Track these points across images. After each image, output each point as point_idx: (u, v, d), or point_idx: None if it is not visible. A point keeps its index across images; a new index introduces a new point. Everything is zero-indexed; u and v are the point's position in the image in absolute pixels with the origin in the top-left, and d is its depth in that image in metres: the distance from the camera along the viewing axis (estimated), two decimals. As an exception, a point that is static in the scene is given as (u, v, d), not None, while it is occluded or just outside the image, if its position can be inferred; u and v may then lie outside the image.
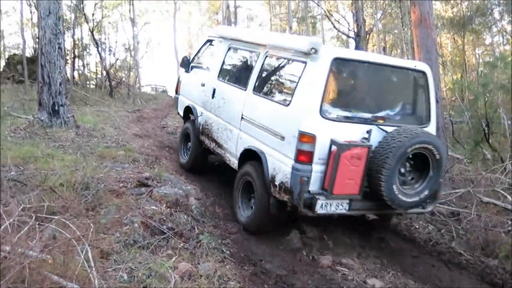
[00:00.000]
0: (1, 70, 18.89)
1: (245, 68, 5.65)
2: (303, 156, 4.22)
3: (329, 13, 21.07)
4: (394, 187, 4.21)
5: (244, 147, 5.07)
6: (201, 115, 6.35)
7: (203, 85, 6.43)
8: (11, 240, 2.76)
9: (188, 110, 6.91)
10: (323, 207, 4.15)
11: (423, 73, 4.81)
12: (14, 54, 19.98)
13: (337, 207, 4.23)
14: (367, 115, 4.49)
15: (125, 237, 3.77)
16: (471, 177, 7.20)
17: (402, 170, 4.37)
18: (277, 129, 4.54)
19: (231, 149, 5.41)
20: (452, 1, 21.90)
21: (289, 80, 4.79)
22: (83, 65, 22.66)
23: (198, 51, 7.25)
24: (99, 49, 20.58)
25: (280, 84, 5.05)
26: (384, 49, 23.32)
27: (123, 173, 5.53)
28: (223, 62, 6.13)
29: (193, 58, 7.23)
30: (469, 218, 5.48)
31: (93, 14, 20.39)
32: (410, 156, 4.28)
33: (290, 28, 17.16)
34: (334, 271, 4.22)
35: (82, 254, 2.88)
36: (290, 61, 4.82)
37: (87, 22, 19.56)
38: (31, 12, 18.97)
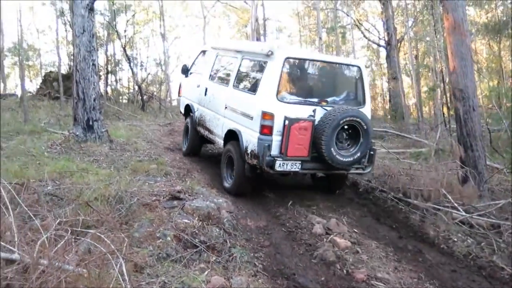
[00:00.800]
0: (38, 87, 19.50)
1: (228, 70, 7.33)
2: (266, 129, 5.86)
3: (359, 23, 20.93)
4: (332, 149, 5.81)
5: (227, 129, 6.67)
6: (197, 110, 8.10)
7: (198, 86, 8.17)
8: (48, 254, 2.82)
9: (188, 108, 8.67)
10: (280, 166, 5.74)
11: (358, 67, 6.49)
12: (50, 72, 20.48)
13: (292, 166, 5.83)
14: (313, 99, 6.15)
15: (158, 251, 3.80)
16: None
17: (340, 138, 5.99)
18: (248, 112, 6.17)
19: (219, 133, 7.02)
20: (486, 7, 21.41)
21: (257, 76, 6.44)
22: (116, 81, 23.17)
23: (194, 61, 9.06)
24: (131, 64, 21.09)
25: (251, 79, 6.68)
26: (416, 57, 22.95)
27: (155, 186, 5.60)
28: (213, 67, 7.87)
29: (191, 66, 9.05)
30: (511, 231, 5.24)
31: (125, 31, 21.04)
32: (345, 127, 5.90)
33: (320, 38, 17.06)
34: (369, 286, 4.10)
35: (116, 267, 2.92)
36: (257, 62, 6.51)
37: (119, 39, 20.08)
38: (66, 31, 19.67)
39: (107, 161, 6.98)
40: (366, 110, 6.35)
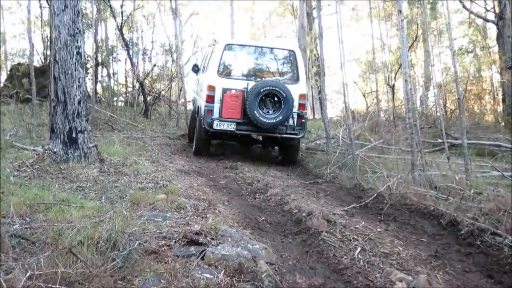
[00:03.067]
0: (2, 85, 19.56)
1: (206, 61, 13.71)
2: (209, 99, 11.45)
3: (457, -12, 20.65)
4: (256, 112, 11.04)
5: (197, 106, 13.06)
6: (195, 100, 14.19)
7: (197, 80, 14.60)
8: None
9: (193, 101, 15.44)
10: (217, 125, 11.27)
11: (292, 51, 12.52)
12: (19, 64, 20.71)
13: (228, 126, 11.31)
14: (250, 76, 12.13)
15: (169, 320, 3.77)
16: None
17: (266, 104, 11.40)
18: (202, 88, 12.29)
19: (200, 112, 12.16)
20: None
21: (209, 60, 12.76)
22: (109, 75, 23.70)
23: (203, 59, 15.55)
24: (130, 52, 21.45)
25: (208, 64, 12.68)
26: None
27: (164, 225, 5.61)
28: (203, 61, 14.30)
29: (200, 64, 15.05)
30: None
31: (121, 6, 21.30)
32: (269, 95, 11.29)
33: (400, 12, 16.87)
34: None
35: None
36: (213, 50, 12.69)
37: (114, 17, 20.43)
38: (41, 7, 19.99)
39: (97, 189, 7.06)
40: (301, 86, 12.15)
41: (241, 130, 11.55)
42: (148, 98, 20.67)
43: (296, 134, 11.74)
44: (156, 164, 9.44)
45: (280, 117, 11.24)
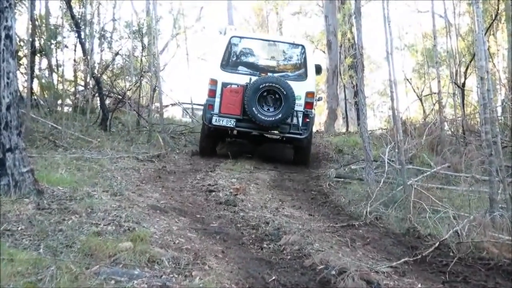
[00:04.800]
0: None
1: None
2: (211, 93, 16.19)
3: None
4: (254, 109, 15.35)
5: None
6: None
7: None
8: None
9: None
10: (216, 121, 15.90)
11: (302, 46, 17.24)
12: None
13: (227, 122, 15.88)
14: (255, 71, 16.53)
15: None
16: None
17: (266, 101, 15.74)
18: (207, 82, 16.86)
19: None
20: None
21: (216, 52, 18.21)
22: (51, 68, 23.42)
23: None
24: (82, 35, 21.33)
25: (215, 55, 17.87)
26: None
27: (131, 288, 5.60)
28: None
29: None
30: None
31: (70, -33, 21.10)
32: (270, 92, 15.58)
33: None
34: None
35: None
36: (221, 42, 17.33)
37: (59, -16, 20.30)
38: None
39: (32, 233, 6.98)
40: (308, 83, 16.30)
41: (240, 127, 16.06)
42: (107, 101, 20.66)
43: (300, 134, 15.90)
44: (119, 198, 9.40)
45: (280, 115, 15.40)
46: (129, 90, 23.42)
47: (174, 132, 21.44)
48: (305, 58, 16.59)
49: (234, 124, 15.47)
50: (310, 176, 15.61)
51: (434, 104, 23.69)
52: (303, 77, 16.29)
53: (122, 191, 9.98)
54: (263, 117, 15.13)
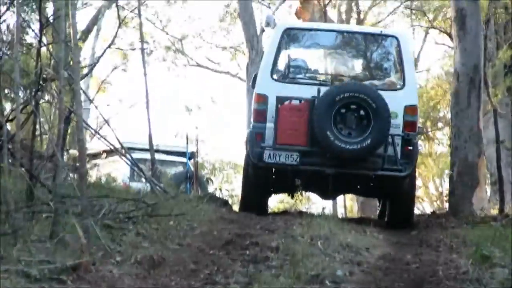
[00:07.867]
0: None
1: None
2: (259, 116, 10.93)
3: None
4: (328, 133, 9.96)
5: None
6: None
7: None
8: None
9: None
10: (270, 157, 10.25)
11: (395, 38, 11.34)
12: None
13: (287, 158, 10.23)
14: (322, 77, 11.96)
15: None
16: None
17: (345, 121, 10.37)
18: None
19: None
20: None
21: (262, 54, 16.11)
22: None
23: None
24: None
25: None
26: None
27: None
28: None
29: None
30: None
31: None
32: (351, 108, 10.29)
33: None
34: None
35: None
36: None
37: None
38: None
39: None
40: (407, 94, 10.89)
41: (307, 164, 10.45)
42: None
43: (399, 170, 10.27)
44: None
45: (369, 141, 10.14)
46: (10, 121, 15.05)
47: (112, 214, 12.80)
48: (400, 56, 11.16)
49: (298, 160, 10.25)
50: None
51: None
52: (398, 84, 11.11)
53: None
54: (342, 145, 10.08)
